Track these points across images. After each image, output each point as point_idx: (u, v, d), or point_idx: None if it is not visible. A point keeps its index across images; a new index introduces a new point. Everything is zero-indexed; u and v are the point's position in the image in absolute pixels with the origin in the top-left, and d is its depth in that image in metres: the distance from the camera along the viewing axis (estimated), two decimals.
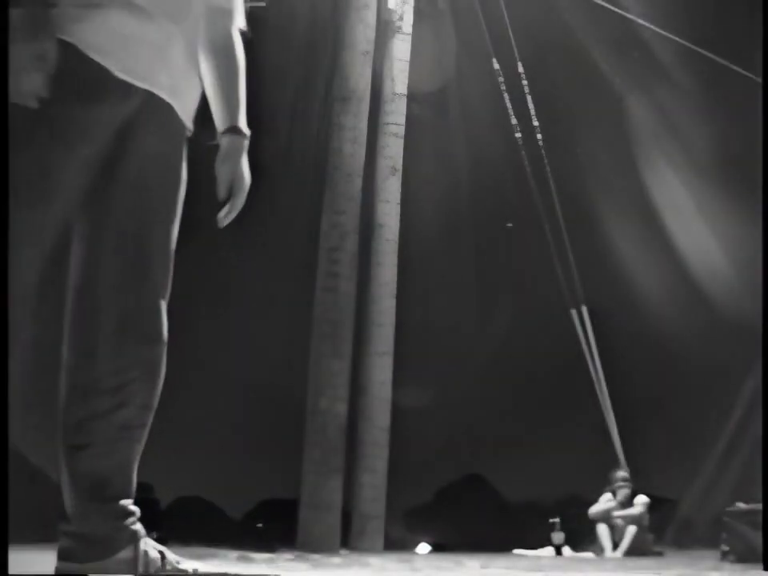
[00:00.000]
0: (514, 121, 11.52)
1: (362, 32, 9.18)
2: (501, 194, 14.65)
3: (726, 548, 7.77)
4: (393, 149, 10.34)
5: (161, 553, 2.41)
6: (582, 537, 10.52)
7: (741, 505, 8.00)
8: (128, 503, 2.42)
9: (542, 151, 11.49)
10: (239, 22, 2.68)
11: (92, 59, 2.27)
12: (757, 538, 6.91)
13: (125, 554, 2.36)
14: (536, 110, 11.53)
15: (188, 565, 2.43)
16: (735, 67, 11.13)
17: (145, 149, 2.40)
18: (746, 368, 11.27)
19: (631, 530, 10.07)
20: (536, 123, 11.54)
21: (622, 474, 10.48)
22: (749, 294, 10.27)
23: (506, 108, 11.52)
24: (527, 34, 11.70)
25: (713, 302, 13.89)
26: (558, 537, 10.21)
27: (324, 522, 8.17)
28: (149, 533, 2.45)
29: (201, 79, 2.59)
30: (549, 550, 10.23)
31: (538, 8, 11.97)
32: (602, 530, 10.22)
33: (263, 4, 8.64)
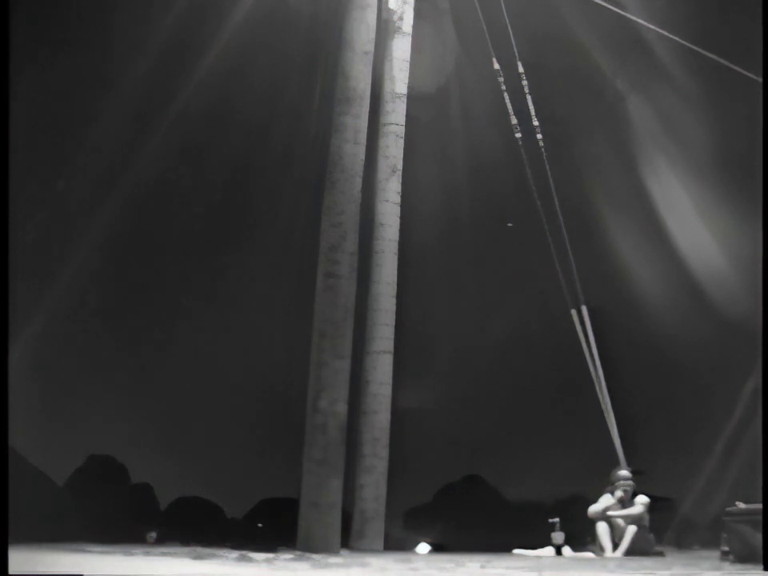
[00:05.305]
0: (514, 121, 11.53)
1: (363, 32, 9.18)
2: (501, 194, 14.66)
3: (725, 548, 7.79)
4: (393, 149, 10.36)
5: None
6: (582, 537, 10.52)
7: (741, 505, 8.01)
8: None
9: (542, 151, 11.49)
10: None
11: None
12: (757, 538, 6.93)
13: None
14: (536, 110, 11.53)
15: None
16: (735, 67, 11.13)
17: None
18: (746, 368, 11.27)
19: (631, 529, 10.06)
20: (536, 123, 11.54)
21: (622, 473, 10.47)
22: (748, 294, 10.27)
23: (505, 108, 11.53)
24: (527, 34, 11.70)
25: (713, 301, 13.90)
26: (558, 537, 10.21)
27: (324, 521, 8.17)
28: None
29: None
30: (549, 550, 10.23)
31: (538, 8, 11.97)
32: (602, 529, 10.21)
33: None
